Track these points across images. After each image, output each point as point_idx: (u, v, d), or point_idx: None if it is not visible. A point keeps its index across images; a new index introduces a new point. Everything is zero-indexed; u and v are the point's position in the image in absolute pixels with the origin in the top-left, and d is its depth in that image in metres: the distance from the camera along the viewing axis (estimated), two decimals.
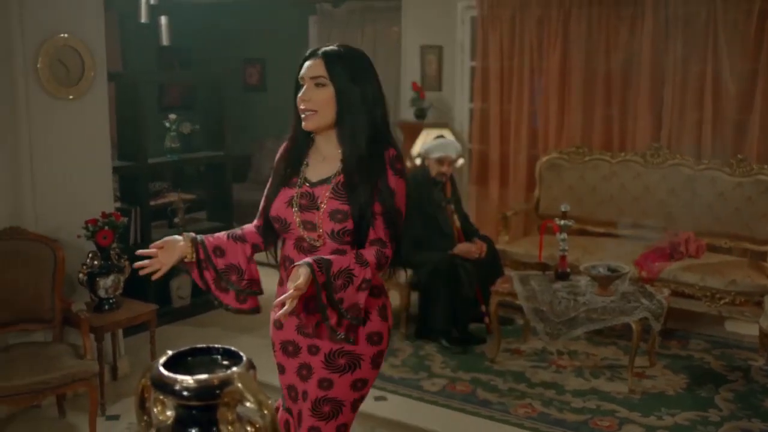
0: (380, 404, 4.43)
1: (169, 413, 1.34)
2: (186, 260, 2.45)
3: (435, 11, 7.17)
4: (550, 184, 6.35)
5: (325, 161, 2.46)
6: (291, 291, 2.18)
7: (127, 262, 4.45)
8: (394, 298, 5.75)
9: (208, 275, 2.48)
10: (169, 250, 2.43)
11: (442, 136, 6.05)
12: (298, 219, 2.41)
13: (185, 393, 1.23)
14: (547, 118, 6.58)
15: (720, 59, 5.75)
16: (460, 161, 6.06)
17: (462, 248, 5.33)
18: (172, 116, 6.01)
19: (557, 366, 4.91)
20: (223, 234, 2.54)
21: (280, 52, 9.07)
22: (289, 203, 2.43)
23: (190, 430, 1.27)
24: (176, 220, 5.99)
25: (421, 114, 7.06)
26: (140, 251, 2.44)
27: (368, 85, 2.41)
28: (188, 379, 1.23)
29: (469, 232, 5.56)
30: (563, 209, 4.83)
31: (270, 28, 9.08)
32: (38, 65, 4.20)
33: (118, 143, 5.60)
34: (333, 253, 2.37)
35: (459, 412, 4.33)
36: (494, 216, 6.68)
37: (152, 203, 5.88)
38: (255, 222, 2.60)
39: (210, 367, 1.34)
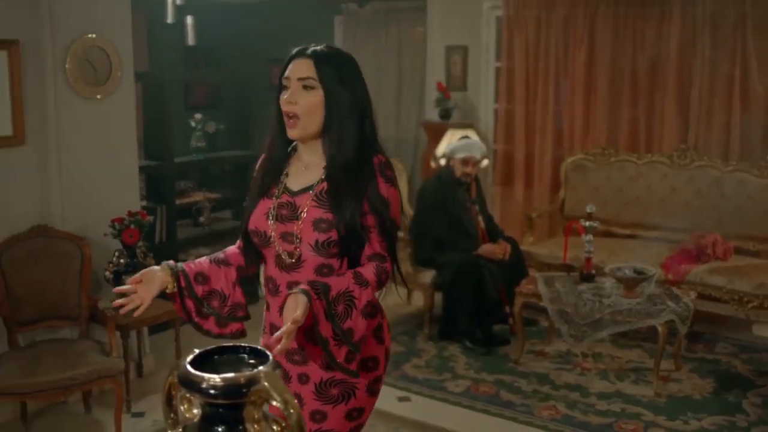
0: (404, 405, 4.43)
1: (195, 411, 1.34)
2: (168, 291, 2.25)
3: (460, 11, 7.15)
4: (575, 185, 6.31)
5: (307, 170, 2.25)
6: (287, 326, 1.95)
7: (152, 261, 4.47)
8: (418, 299, 5.76)
9: (190, 303, 2.28)
10: (147, 283, 2.22)
11: (466, 137, 6.04)
12: (276, 231, 2.20)
13: (212, 391, 1.23)
14: (572, 118, 6.54)
15: (748, 60, 5.68)
16: (485, 162, 6.04)
17: (486, 249, 5.31)
18: (198, 116, 6.05)
19: (582, 368, 4.88)
20: (205, 259, 2.35)
21: None
22: (267, 215, 2.23)
23: (216, 428, 1.27)
24: (201, 219, 6.02)
25: (445, 114, 7.05)
26: (118, 288, 2.25)
27: (358, 90, 2.22)
28: (215, 378, 1.24)
29: (494, 233, 5.54)
30: (589, 210, 4.80)
31: (295, 28, 9.09)
32: (67, 65, 4.25)
33: (144, 142, 5.64)
34: (317, 269, 2.17)
35: (482, 413, 4.32)
36: (519, 217, 6.65)
37: (178, 202, 5.92)
38: (238, 242, 2.40)
39: (236, 365, 1.34)
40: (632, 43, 6.16)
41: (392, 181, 2.22)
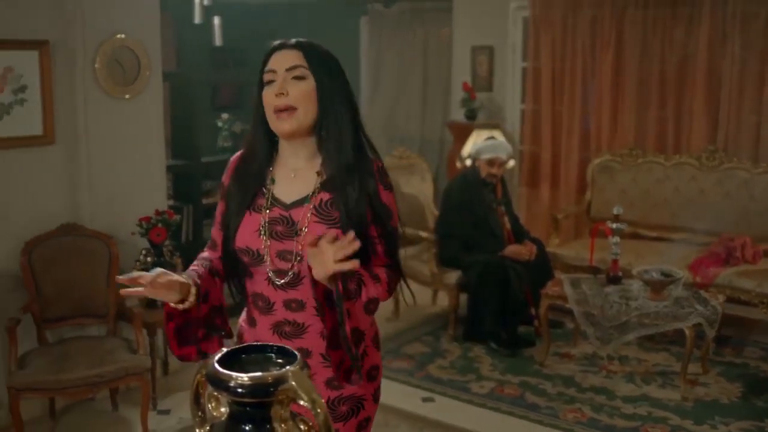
0: (428, 405, 4.42)
1: (223, 409, 1.35)
2: (179, 306, 1.96)
3: (486, 12, 7.13)
4: (602, 186, 6.27)
5: (297, 177, 2.05)
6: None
7: (179, 260, 4.51)
8: (443, 299, 5.75)
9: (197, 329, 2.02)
10: (162, 288, 1.92)
11: (492, 138, 6.02)
12: (270, 249, 2.00)
13: (240, 390, 1.24)
14: (599, 119, 6.50)
15: None
16: (511, 163, 6.02)
17: (512, 250, 5.29)
18: (225, 116, 6.09)
19: (607, 371, 4.84)
20: (201, 269, 2.07)
21: (332, 52, 9.10)
22: (259, 231, 2.01)
23: (243, 426, 1.27)
24: None
25: (471, 115, 7.03)
26: (121, 278, 1.99)
27: (347, 84, 2.06)
28: (243, 377, 1.24)
29: (520, 234, 5.52)
30: (616, 212, 4.76)
31: (321, 28, 9.10)
32: (96, 65, 4.29)
33: (171, 142, 5.69)
34: (317, 284, 1.92)
35: (507, 415, 4.30)
36: (545, 218, 6.62)
37: (204, 201, 5.95)
38: (210, 253, 2.17)
39: (264, 364, 1.35)
40: (660, 43, 6.11)
41: (392, 188, 2.10)
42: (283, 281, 2.01)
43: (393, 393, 4.53)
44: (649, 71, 6.20)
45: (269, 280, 2.04)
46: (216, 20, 6.68)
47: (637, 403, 4.41)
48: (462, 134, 6.92)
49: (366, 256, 1.98)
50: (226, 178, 2.15)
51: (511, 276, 5.11)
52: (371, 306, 2.00)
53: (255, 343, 1.38)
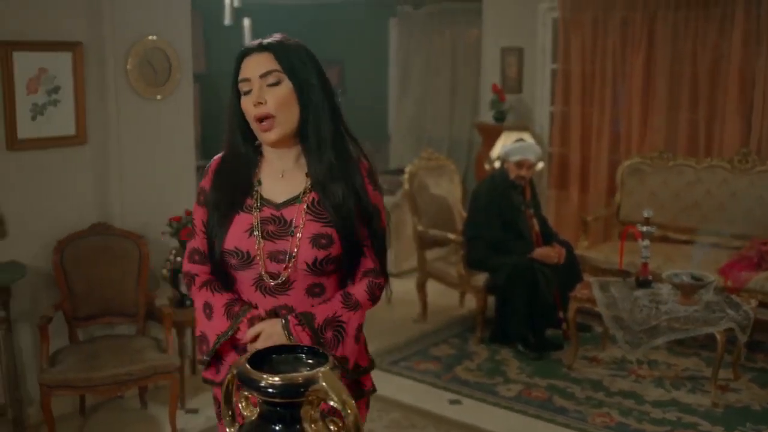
0: (455, 407, 4.41)
1: (253, 409, 1.36)
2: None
3: (516, 13, 7.10)
4: (631, 189, 6.21)
5: (284, 177, 2.02)
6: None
7: None
8: (470, 301, 5.73)
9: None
10: (267, 341, 1.93)
11: (521, 139, 5.99)
12: (263, 250, 1.95)
13: (270, 390, 1.25)
14: (629, 122, 6.45)
15: None
16: (540, 165, 5.98)
17: (541, 252, 5.26)
18: None
19: (636, 375, 4.80)
20: (228, 292, 2.05)
21: (360, 54, 9.13)
22: (250, 231, 1.96)
23: (274, 426, 1.28)
24: None
25: (500, 116, 7.00)
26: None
27: (323, 77, 1.99)
28: (274, 377, 1.25)
29: (548, 237, 5.49)
30: (646, 215, 4.72)
31: (350, 29, 9.15)
32: (128, 66, 4.33)
33: (201, 143, 5.73)
34: (308, 289, 1.97)
35: (534, 418, 4.28)
36: (574, 221, 6.58)
37: None
38: (199, 268, 2.08)
39: (294, 365, 1.35)
40: (692, 44, 6.04)
41: (380, 189, 2.07)
42: (279, 281, 1.96)
43: (419, 395, 4.53)
44: (681, 73, 6.13)
45: (257, 285, 1.99)
46: (246, 22, 6.74)
47: (666, 408, 4.36)
48: (491, 136, 6.90)
49: (356, 259, 1.99)
50: (206, 183, 2.09)
51: (540, 279, 5.08)
52: (359, 334, 2.00)
53: (285, 344, 1.39)
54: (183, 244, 4.47)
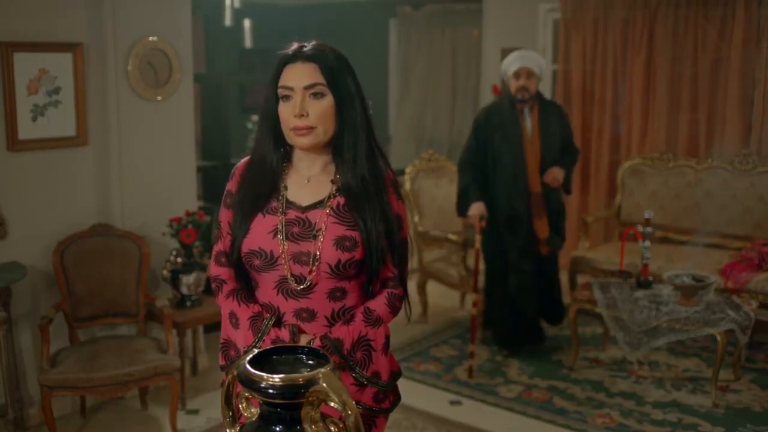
0: (455, 408, 4.41)
1: (254, 410, 1.36)
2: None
3: (516, 13, 7.10)
4: (632, 190, 6.21)
5: (310, 183, 2.04)
6: None
7: (208, 260, 4.54)
8: (471, 301, 5.71)
9: None
10: None
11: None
12: (287, 251, 1.97)
13: (271, 391, 1.25)
14: (630, 122, 6.45)
15: None
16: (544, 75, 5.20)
17: (548, 177, 4.88)
18: (254, 117, 6.11)
19: (637, 376, 4.80)
20: (255, 307, 2.06)
21: (361, 54, 9.10)
22: (275, 233, 1.99)
23: (274, 427, 1.28)
24: None
25: None
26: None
27: (361, 92, 2.03)
28: (274, 377, 1.25)
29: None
30: (646, 216, 4.72)
31: (350, 30, 9.16)
32: (128, 67, 4.33)
33: (201, 144, 5.73)
34: (330, 292, 1.99)
35: (535, 419, 4.27)
36: (574, 221, 6.58)
37: None
38: (230, 270, 2.09)
39: (295, 366, 1.35)
40: (693, 45, 6.05)
41: (403, 199, 2.12)
42: (303, 285, 1.98)
43: (420, 396, 4.53)
44: (681, 73, 6.14)
45: (279, 288, 2.00)
46: (246, 23, 6.74)
47: (666, 409, 4.36)
48: None
49: (377, 266, 2.00)
50: (232, 185, 2.11)
51: (513, 284, 4.99)
52: (386, 345, 2.05)
53: (286, 345, 1.38)
54: (183, 245, 4.48)
